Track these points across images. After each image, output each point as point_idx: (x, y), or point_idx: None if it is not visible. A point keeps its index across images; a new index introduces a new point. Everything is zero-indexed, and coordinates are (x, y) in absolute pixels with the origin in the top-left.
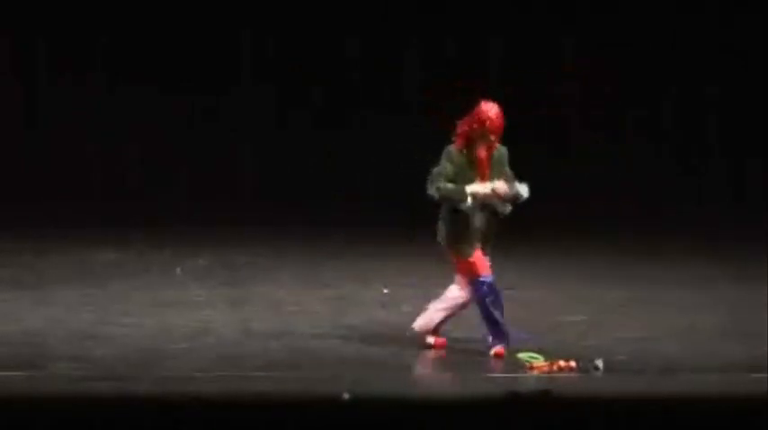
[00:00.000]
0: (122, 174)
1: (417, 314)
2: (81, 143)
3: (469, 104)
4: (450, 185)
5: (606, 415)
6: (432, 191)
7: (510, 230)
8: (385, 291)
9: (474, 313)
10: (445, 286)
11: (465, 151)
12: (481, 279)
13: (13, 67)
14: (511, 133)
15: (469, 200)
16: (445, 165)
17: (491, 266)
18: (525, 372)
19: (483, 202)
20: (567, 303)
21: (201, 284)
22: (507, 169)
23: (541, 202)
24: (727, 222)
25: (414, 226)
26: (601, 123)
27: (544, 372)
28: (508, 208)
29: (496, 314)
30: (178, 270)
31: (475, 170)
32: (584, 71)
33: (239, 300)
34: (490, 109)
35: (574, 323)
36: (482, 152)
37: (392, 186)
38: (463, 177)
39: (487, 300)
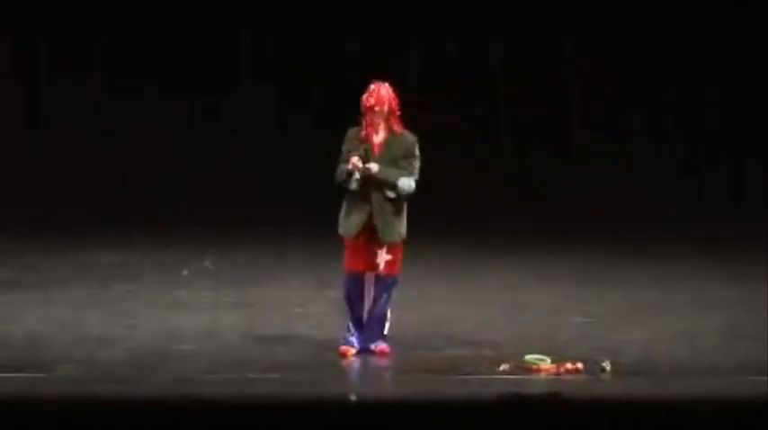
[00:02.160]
0: (123, 174)
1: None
2: (81, 143)
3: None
4: (339, 167)
5: (612, 417)
6: (336, 176)
7: (511, 232)
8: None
9: (476, 313)
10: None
11: (362, 132)
12: (346, 271)
13: (13, 67)
14: (511, 133)
15: (355, 179)
16: (343, 149)
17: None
18: (532, 374)
19: (371, 183)
20: (570, 305)
21: (206, 286)
22: (409, 160)
23: (543, 203)
24: (729, 222)
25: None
26: (601, 123)
27: (551, 375)
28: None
29: (355, 309)
30: (185, 272)
31: (370, 153)
32: (584, 71)
33: (244, 301)
34: (371, 89)
35: (578, 325)
36: (376, 134)
37: None
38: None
39: (345, 293)
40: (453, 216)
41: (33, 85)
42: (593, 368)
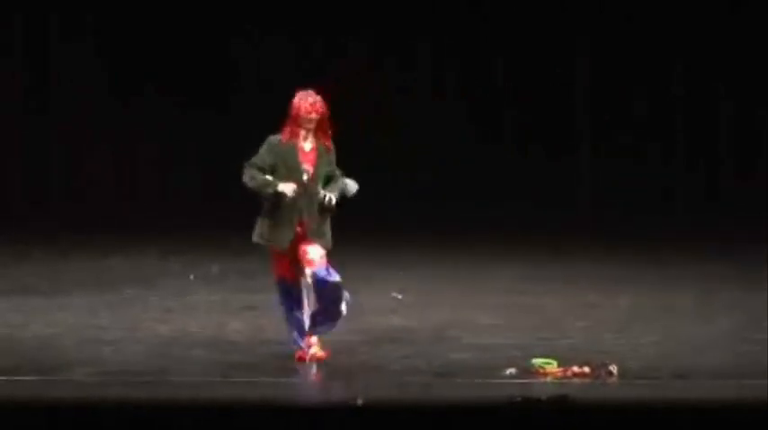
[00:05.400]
0: (133, 177)
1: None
2: (92, 147)
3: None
4: (261, 177)
5: (619, 420)
6: (246, 179)
7: (517, 234)
8: (399, 296)
9: (482, 317)
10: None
11: (289, 141)
12: (279, 280)
13: (24, 67)
14: (511, 133)
15: (284, 190)
16: (262, 155)
17: (322, 261)
18: (539, 378)
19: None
20: (576, 308)
21: (214, 290)
22: (334, 168)
23: (548, 205)
24: (737, 224)
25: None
26: (605, 124)
27: (558, 378)
28: (331, 202)
29: (295, 316)
30: (191, 276)
31: (297, 162)
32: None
33: (251, 305)
34: (302, 97)
35: (585, 328)
36: (306, 143)
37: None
38: (284, 168)
39: (281, 302)
40: (456, 217)
41: (46, 92)
42: (599, 371)
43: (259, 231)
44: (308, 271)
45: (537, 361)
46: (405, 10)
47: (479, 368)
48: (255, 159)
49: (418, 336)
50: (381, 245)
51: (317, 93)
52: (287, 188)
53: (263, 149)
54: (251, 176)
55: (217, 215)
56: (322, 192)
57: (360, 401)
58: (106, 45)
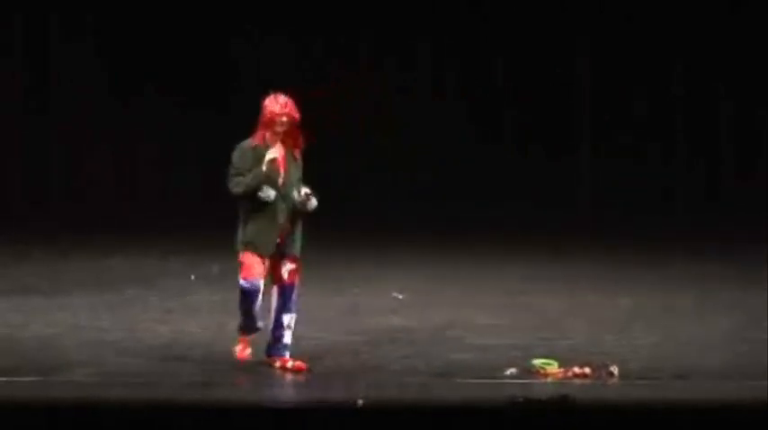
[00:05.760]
0: (133, 177)
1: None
2: (92, 147)
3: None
4: (246, 178)
5: (620, 421)
6: (234, 188)
7: (517, 235)
8: (399, 296)
9: (482, 317)
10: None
11: (261, 146)
12: (246, 283)
13: (24, 67)
14: (511, 133)
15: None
16: (237, 162)
17: (294, 271)
18: (539, 379)
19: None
20: (577, 308)
21: (215, 290)
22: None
23: (549, 206)
24: (737, 224)
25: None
26: (605, 124)
27: (558, 379)
28: (312, 203)
29: (255, 320)
30: (192, 277)
31: (270, 167)
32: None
33: None
34: (273, 100)
35: (585, 329)
36: (278, 148)
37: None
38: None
39: (242, 306)
40: (456, 217)
41: (46, 93)
42: (600, 372)
43: (243, 239)
44: (280, 286)
45: (537, 361)
46: (405, 10)
47: (480, 368)
48: (233, 169)
49: (418, 337)
50: (381, 245)
51: (290, 97)
52: (270, 192)
53: (236, 157)
54: (236, 183)
55: (217, 215)
56: (304, 190)
57: (360, 402)
58: (106, 45)
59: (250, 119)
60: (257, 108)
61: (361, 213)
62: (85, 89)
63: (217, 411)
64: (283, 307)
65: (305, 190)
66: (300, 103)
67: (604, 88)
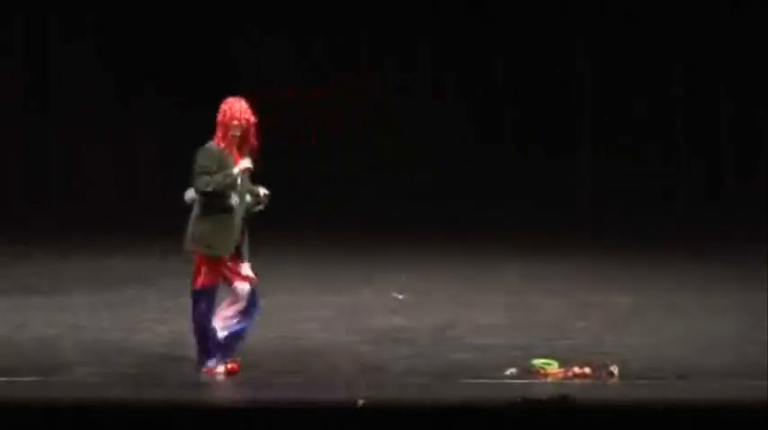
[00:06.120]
0: (133, 177)
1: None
2: (92, 147)
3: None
4: (217, 176)
5: (621, 421)
6: (204, 187)
7: (517, 234)
8: (400, 297)
9: (482, 317)
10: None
11: (223, 148)
12: (206, 289)
13: (24, 67)
14: (511, 133)
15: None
16: (204, 162)
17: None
18: (539, 379)
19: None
20: (577, 308)
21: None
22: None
23: (549, 205)
24: (737, 224)
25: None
26: (605, 124)
27: (558, 379)
28: (259, 206)
29: (208, 328)
30: None
31: (232, 166)
32: (591, 71)
33: None
34: (230, 103)
35: (585, 329)
36: (236, 150)
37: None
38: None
39: (202, 312)
40: (456, 217)
41: (46, 94)
42: (600, 372)
43: (203, 240)
44: (247, 286)
45: (537, 361)
46: (405, 10)
47: (480, 368)
48: (201, 168)
49: (418, 337)
50: (381, 245)
51: (247, 101)
52: (237, 198)
53: (202, 157)
54: (206, 182)
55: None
56: (263, 191)
57: (360, 402)
58: (106, 45)
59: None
60: (257, 108)
61: (361, 213)
62: (85, 89)
63: (217, 411)
64: (253, 310)
65: (263, 190)
66: (300, 103)
67: (604, 88)
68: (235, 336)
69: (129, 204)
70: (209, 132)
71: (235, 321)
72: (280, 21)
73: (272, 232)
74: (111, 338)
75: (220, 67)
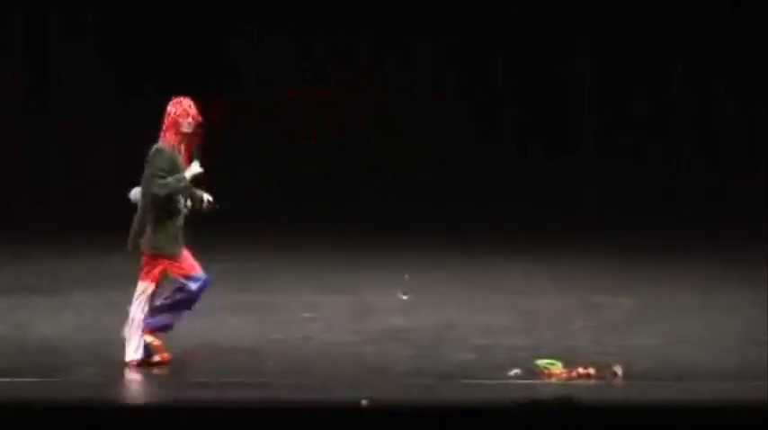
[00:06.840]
0: (135, 178)
1: (430, 319)
2: (92, 147)
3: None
4: (169, 179)
5: (625, 422)
6: (159, 190)
7: (521, 235)
8: (404, 297)
9: (486, 318)
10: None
11: (174, 149)
12: (198, 275)
13: (24, 67)
14: (511, 133)
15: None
16: (160, 164)
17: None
18: (543, 379)
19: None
20: (580, 309)
21: (215, 290)
22: None
23: (544, 205)
24: (737, 224)
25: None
26: (605, 124)
27: (562, 379)
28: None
29: (182, 313)
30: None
31: (183, 168)
32: (590, 70)
33: (256, 306)
34: (176, 103)
35: (590, 329)
36: (184, 150)
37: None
38: (176, 175)
39: (194, 296)
40: (456, 217)
41: (46, 94)
42: (604, 373)
43: (156, 242)
44: (199, 275)
45: (541, 362)
46: (405, 10)
47: (483, 369)
48: (158, 171)
49: (422, 337)
50: (381, 245)
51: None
52: (189, 202)
53: (160, 159)
54: (161, 185)
55: (216, 215)
56: (207, 197)
57: (364, 402)
58: (106, 45)
59: (250, 119)
60: (257, 108)
61: (361, 213)
62: (85, 89)
63: (218, 411)
64: (177, 307)
65: (207, 197)
66: (300, 103)
67: (604, 88)
68: (161, 329)
69: (129, 204)
70: (209, 132)
71: (162, 315)
72: (280, 21)
73: (273, 232)
74: (112, 338)
75: (220, 67)
